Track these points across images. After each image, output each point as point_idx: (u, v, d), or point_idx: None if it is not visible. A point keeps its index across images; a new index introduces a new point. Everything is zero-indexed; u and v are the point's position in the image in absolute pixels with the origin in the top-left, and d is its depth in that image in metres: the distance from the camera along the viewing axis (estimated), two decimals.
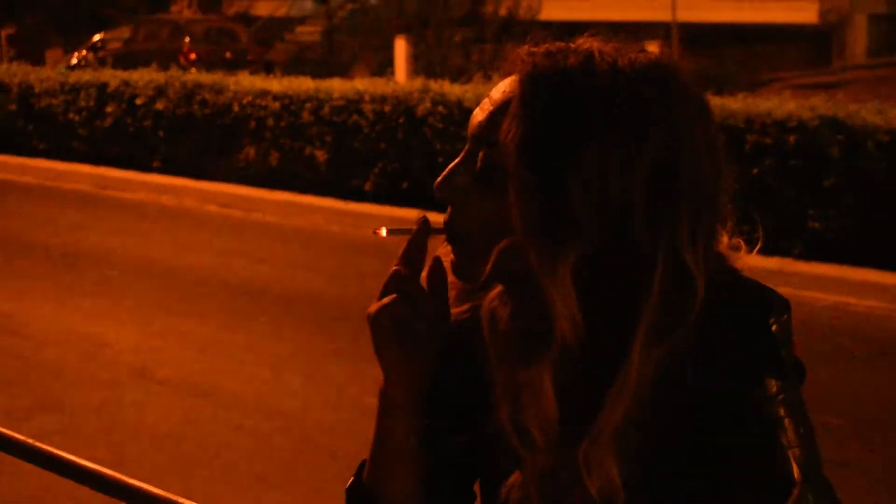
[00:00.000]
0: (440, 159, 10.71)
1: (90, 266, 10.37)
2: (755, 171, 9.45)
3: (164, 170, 14.61)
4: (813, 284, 8.93)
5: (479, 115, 1.62)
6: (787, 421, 1.60)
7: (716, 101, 9.91)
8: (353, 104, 12.74)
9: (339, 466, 1.53)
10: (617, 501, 1.57)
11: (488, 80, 18.28)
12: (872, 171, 9.04)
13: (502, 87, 1.61)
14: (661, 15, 20.59)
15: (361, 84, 13.27)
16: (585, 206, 1.52)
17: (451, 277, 1.73)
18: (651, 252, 1.53)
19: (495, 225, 1.58)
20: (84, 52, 28.00)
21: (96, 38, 29.40)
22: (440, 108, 11.88)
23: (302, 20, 35.48)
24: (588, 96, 1.54)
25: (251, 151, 13.64)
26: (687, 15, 23.12)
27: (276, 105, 13.37)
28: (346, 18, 32.39)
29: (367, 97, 12.65)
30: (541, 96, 1.55)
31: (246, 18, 34.19)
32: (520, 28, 25.85)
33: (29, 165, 15.79)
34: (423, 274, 1.72)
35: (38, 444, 2.60)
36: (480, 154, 1.61)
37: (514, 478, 1.66)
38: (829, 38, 31.04)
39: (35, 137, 16.27)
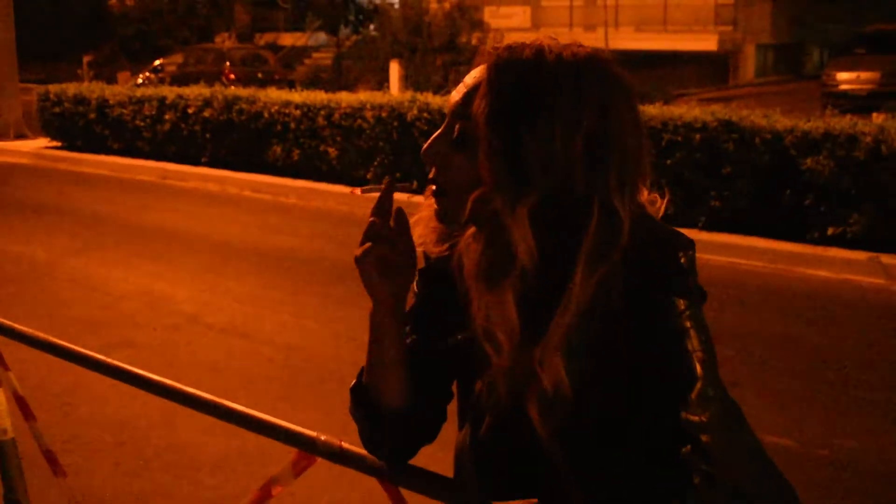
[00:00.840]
0: None
1: (154, 237, 10.35)
2: (669, 161, 9.44)
3: (211, 164, 14.51)
4: (712, 249, 8.89)
5: (455, 95, 1.66)
6: (692, 331, 1.62)
7: (671, 110, 9.96)
8: (357, 112, 12.66)
9: (345, 387, 1.57)
10: (564, 393, 1.59)
11: None
12: (758, 161, 9.06)
13: (474, 74, 1.64)
14: (598, 44, 20.46)
15: (364, 96, 13.20)
16: (537, 163, 1.55)
17: (433, 223, 1.76)
18: (589, 198, 1.56)
19: (469, 180, 1.61)
20: (147, 73, 27.82)
21: (157, 62, 29.22)
22: (425, 115, 11.79)
23: (317, 48, 35.40)
24: (539, 80, 1.57)
25: (278, 149, 13.55)
26: (616, 44, 23.18)
27: (297, 112, 13.29)
28: (351, 47, 32.31)
29: (368, 106, 12.57)
30: (503, 80, 1.58)
31: (274, 47, 33.95)
32: None
33: (104, 161, 15.69)
34: (391, 221, 1.73)
35: (122, 364, 2.65)
36: (457, 126, 1.64)
37: (486, 376, 1.68)
38: (725, 62, 31.04)
39: (110, 139, 16.13)
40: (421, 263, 1.87)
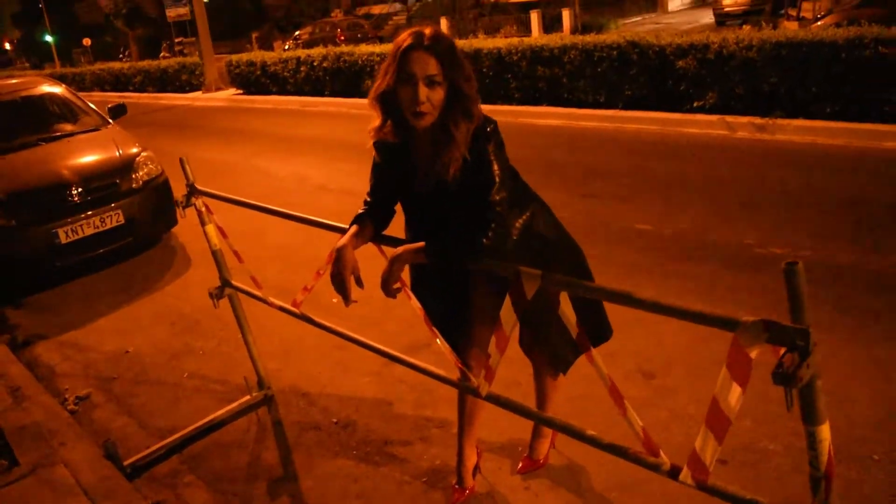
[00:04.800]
0: None
1: (298, 143, 10.56)
2: (599, 69, 9.50)
3: (330, 95, 14.48)
4: (627, 121, 9.08)
5: (427, 69, 2.06)
6: (494, 162, 2.06)
7: (598, 37, 9.98)
8: None
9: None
10: (454, 185, 2.10)
11: (487, 36, 18.05)
12: (651, 64, 9.06)
13: (428, 61, 2.07)
14: None
15: None
16: (463, 84, 2.05)
17: (376, 133, 2.24)
18: (467, 88, 2.04)
19: (439, 101, 2.07)
20: (290, 41, 27.70)
21: (296, 34, 28.98)
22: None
23: (396, 13, 34.58)
24: (454, 52, 2.07)
25: (369, 82, 13.56)
26: None
27: (378, 58, 13.27)
28: (417, 10, 31.62)
29: None
30: (445, 55, 2.06)
31: (367, 16, 33.34)
32: (499, 8, 25.30)
33: (267, 100, 15.78)
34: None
35: (281, 209, 2.98)
36: (433, 81, 2.07)
37: (419, 180, 2.17)
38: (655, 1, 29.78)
39: (269, 85, 16.24)
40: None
